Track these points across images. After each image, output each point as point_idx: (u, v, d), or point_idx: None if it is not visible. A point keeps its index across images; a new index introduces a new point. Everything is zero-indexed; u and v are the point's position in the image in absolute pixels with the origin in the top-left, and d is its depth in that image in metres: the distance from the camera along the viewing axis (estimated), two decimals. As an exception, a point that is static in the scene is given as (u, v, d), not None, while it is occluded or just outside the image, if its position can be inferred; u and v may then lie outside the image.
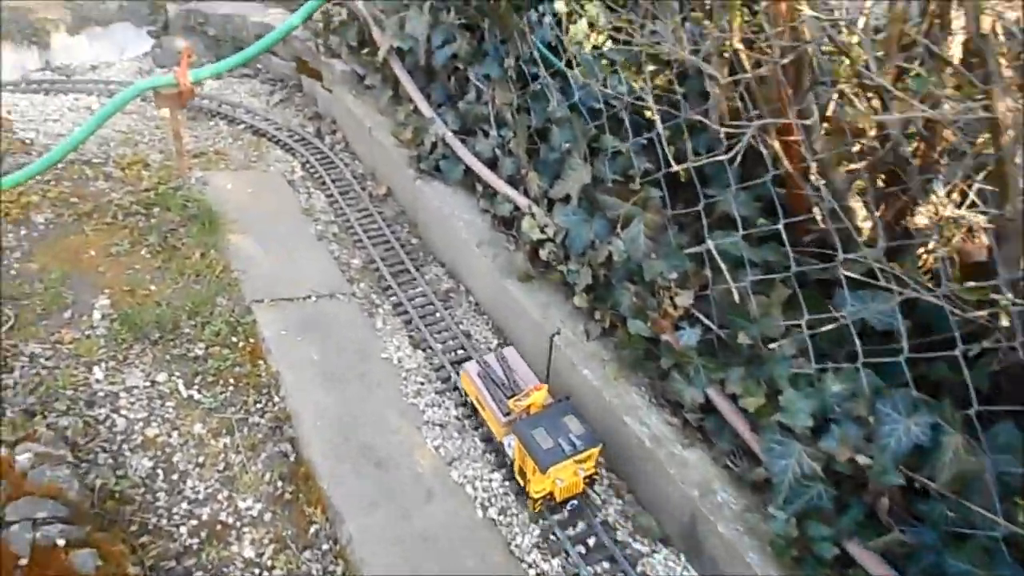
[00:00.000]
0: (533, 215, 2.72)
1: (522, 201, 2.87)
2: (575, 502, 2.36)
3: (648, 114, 2.58)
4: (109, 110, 3.40)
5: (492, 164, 3.12)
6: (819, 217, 2.19)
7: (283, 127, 4.33)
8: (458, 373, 2.71)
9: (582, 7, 3.03)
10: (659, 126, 2.34)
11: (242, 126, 4.35)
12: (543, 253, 2.64)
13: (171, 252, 3.24)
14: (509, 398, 2.41)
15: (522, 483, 2.37)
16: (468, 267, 3.11)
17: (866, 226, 2.14)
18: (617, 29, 2.39)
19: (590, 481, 2.33)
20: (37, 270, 3.13)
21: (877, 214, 2.09)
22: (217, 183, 3.72)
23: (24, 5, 4.67)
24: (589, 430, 2.25)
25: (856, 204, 2.17)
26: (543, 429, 2.24)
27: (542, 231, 2.65)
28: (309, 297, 3.09)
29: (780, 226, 2.07)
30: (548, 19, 2.90)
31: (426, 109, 3.40)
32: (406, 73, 3.55)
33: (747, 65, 2.11)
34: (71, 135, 3.44)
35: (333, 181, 3.86)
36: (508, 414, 2.40)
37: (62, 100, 4.48)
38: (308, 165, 4.02)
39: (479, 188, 3.14)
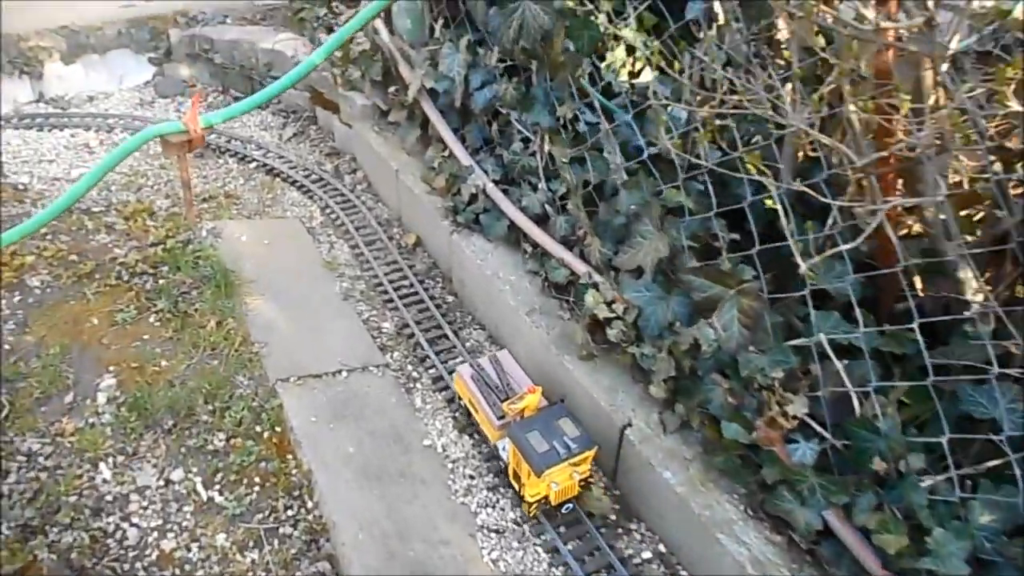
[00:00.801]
0: (597, 287, 2.40)
1: (580, 268, 2.55)
2: (571, 505, 2.32)
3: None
4: (112, 160, 3.08)
5: (541, 220, 2.80)
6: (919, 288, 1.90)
7: (298, 165, 4.00)
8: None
9: (648, 59, 2.70)
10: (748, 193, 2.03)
11: (254, 164, 4.02)
12: (610, 333, 2.32)
13: (183, 320, 2.91)
14: (503, 401, 2.37)
15: (517, 487, 2.34)
16: (516, 336, 2.79)
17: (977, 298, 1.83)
18: (705, 87, 2.07)
19: (585, 484, 2.29)
20: (34, 344, 2.80)
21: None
22: (230, 234, 3.39)
23: (15, 33, 4.32)
24: (584, 432, 2.22)
25: (967, 275, 1.85)
26: (537, 432, 2.21)
27: (609, 307, 2.33)
28: (339, 372, 2.76)
29: (912, 309, 1.75)
30: (613, 64, 2.57)
31: (463, 156, 3.07)
32: (438, 114, 3.22)
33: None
34: (70, 188, 3.10)
35: (356, 228, 3.54)
36: (502, 417, 2.37)
37: (58, 137, 4.14)
38: (328, 209, 3.70)
39: (526, 247, 2.82)
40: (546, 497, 2.25)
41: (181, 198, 3.63)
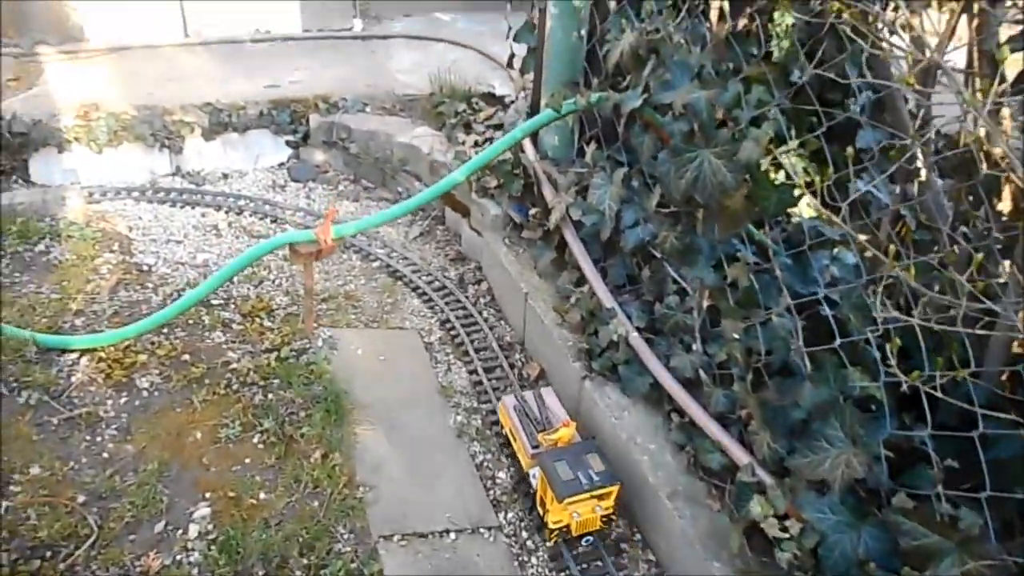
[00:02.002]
0: (764, 492, 2.03)
1: (742, 458, 2.18)
2: (591, 538, 2.42)
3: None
4: (239, 265, 2.97)
5: (692, 384, 2.46)
6: None
7: (421, 269, 3.80)
8: None
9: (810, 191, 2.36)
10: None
11: (376, 263, 3.86)
12: (780, 556, 1.93)
13: (288, 445, 2.70)
14: (539, 432, 2.55)
15: (542, 513, 2.45)
16: (653, 520, 2.42)
17: None
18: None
19: (607, 521, 2.40)
20: (133, 455, 2.64)
21: None
22: (346, 345, 3.20)
23: (160, 105, 4.38)
24: (609, 469, 2.35)
25: None
26: (565, 463, 2.36)
27: (781, 525, 1.94)
28: (446, 533, 2.46)
29: None
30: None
31: (605, 296, 2.78)
32: (580, 244, 2.96)
33: None
34: (192, 291, 3.00)
35: (476, 350, 3.28)
36: (536, 447, 2.52)
37: (188, 215, 4.11)
38: (447, 324, 3.46)
39: (674, 417, 2.47)
40: (568, 527, 2.36)
41: (300, 297, 3.49)
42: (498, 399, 3.00)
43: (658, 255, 2.63)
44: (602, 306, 2.78)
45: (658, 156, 2.36)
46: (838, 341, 2.04)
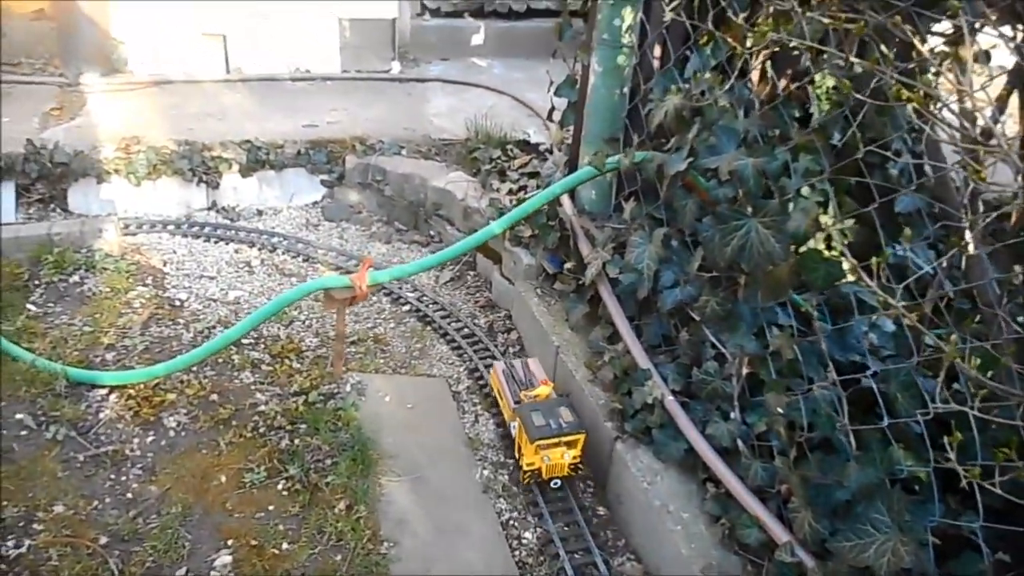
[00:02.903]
0: (805, 575, 1.96)
1: (781, 535, 2.11)
2: (559, 481, 2.75)
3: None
4: (273, 308, 2.98)
5: (729, 453, 2.40)
6: None
7: (451, 314, 3.79)
8: None
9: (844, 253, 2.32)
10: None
11: (406, 307, 3.84)
12: (821, 646, 1.86)
13: (312, 494, 2.65)
14: (522, 391, 2.91)
15: (518, 458, 2.80)
16: (682, 590, 2.35)
17: None
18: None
19: (575, 468, 2.74)
20: (157, 497, 2.61)
21: None
22: (374, 391, 3.17)
23: (200, 141, 4.44)
24: (578, 419, 2.71)
25: None
26: (540, 413, 2.71)
27: (822, 612, 1.87)
28: (472, 595, 2.40)
29: None
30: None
31: (640, 356, 2.74)
32: (616, 301, 2.92)
33: None
34: (225, 332, 3.00)
35: (505, 403, 3.24)
36: (518, 402, 2.86)
37: (222, 251, 4.14)
38: (476, 373, 3.43)
39: (709, 487, 2.41)
40: (539, 469, 2.71)
41: (330, 338, 3.48)
42: (526, 455, 2.97)
43: (696, 318, 2.59)
44: (637, 366, 2.73)
45: (702, 220, 2.33)
46: (886, 421, 1.98)
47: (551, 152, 4.49)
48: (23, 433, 2.78)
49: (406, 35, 6.00)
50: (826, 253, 2.30)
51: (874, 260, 1.64)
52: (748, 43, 2.32)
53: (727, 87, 2.32)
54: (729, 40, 2.35)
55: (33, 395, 2.90)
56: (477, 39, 6.24)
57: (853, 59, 1.77)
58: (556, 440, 2.64)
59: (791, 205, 2.30)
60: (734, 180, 2.32)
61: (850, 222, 2.15)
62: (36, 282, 3.55)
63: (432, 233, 4.42)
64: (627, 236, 2.96)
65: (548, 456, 2.65)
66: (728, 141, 2.40)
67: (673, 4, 2.35)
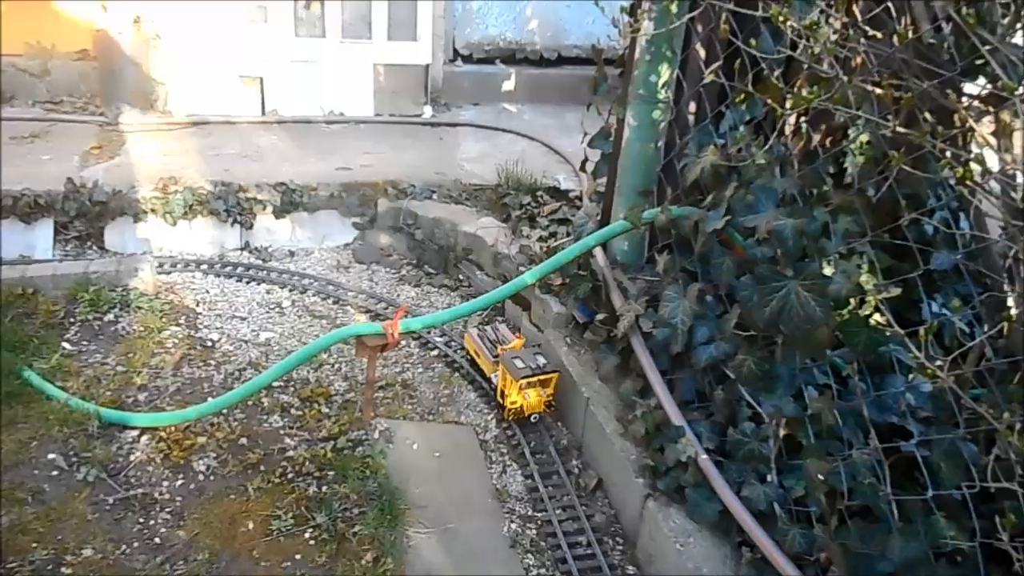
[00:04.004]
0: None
1: (819, 607, 2.06)
2: (537, 416, 3.29)
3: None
4: (305, 355, 3.01)
5: (763, 516, 2.35)
6: None
7: (479, 361, 3.77)
8: None
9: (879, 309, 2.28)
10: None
11: (435, 352, 3.84)
12: None
13: (340, 544, 2.64)
14: (498, 345, 3.41)
15: (502, 401, 3.31)
16: (715, 658, 2.29)
17: None
18: None
19: (548, 405, 3.30)
20: (185, 542, 2.61)
21: None
22: (402, 438, 3.16)
23: (236, 182, 4.51)
24: (550, 362, 3.27)
25: None
26: (520, 358, 3.23)
27: None
28: (499, 656, 2.36)
29: None
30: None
31: (673, 412, 2.70)
32: (649, 355, 2.90)
33: None
34: (257, 378, 3.01)
35: (533, 453, 3.21)
36: (496, 356, 3.36)
37: (253, 291, 4.18)
38: (504, 422, 3.41)
39: (744, 551, 2.36)
40: (521, 407, 3.23)
41: (359, 383, 3.48)
42: (555, 508, 2.94)
43: (731, 376, 2.56)
44: (669, 422, 2.70)
45: (740, 278, 2.32)
46: (930, 493, 1.94)
47: (581, 199, 4.52)
48: (54, 473, 2.79)
49: (439, 80, 6.09)
50: (867, 317, 2.28)
51: (922, 330, 1.62)
52: (787, 104, 2.33)
53: (767, 147, 2.32)
54: (768, 101, 2.36)
55: (66, 435, 2.93)
56: (508, 85, 6.32)
57: (900, 129, 1.76)
58: (536, 378, 3.17)
59: (825, 261, 2.30)
60: (772, 239, 2.32)
61: (896, 290, 2.12)
62: (71, 320, 3.60)
63: (461, 277, 4.44)
64: (660, 289, 2.95)
65: (528, 394, 3.21)
66: (766, 200, 2.40)
67: (713, 67, 2.37)
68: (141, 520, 2.68)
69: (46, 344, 3.39)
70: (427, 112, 5.90)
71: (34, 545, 2.52)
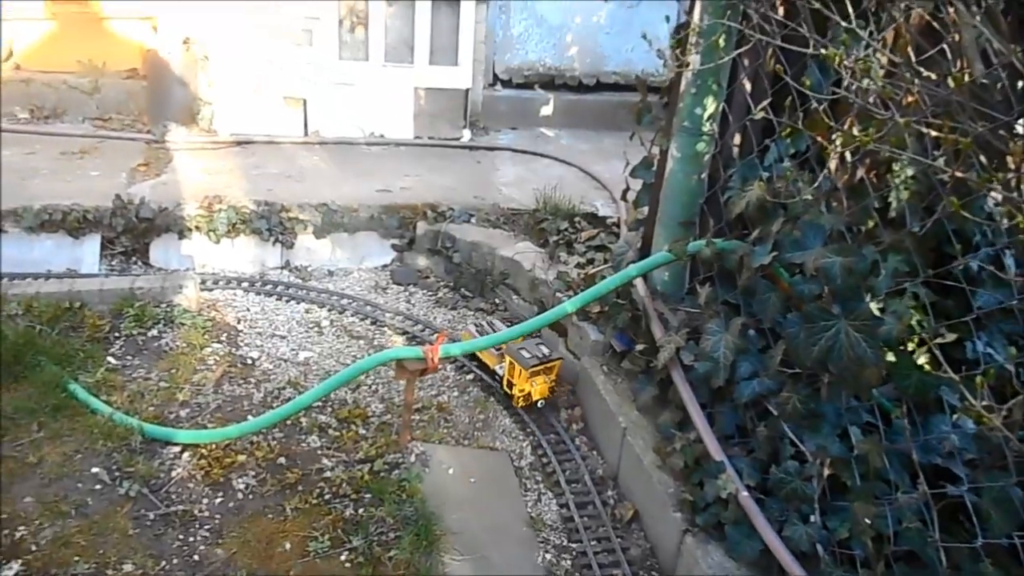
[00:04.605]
0: None
1: (864, 654, 2.02)
2: (543, 401, 3.53)
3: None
4: (344, 377, 3.05)
5: (805, 557, 2.32)
6: None
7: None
8: None
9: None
10: None
11: (471, 376, 3.86)
12: None
13: (375, 567, 2.65)
14: None
15: (509, 391, 3.53)
16: None
17: None
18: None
19: (551, 390, 3.54)
20: (223, 561, 2.63)
21: None
22: (438, 463, 3.16)
23: (279, 202, 4.58)
24: (552, 351, 3.53)
25: None
26: (525, 349, 3.44)
27: None
28: None
29: None
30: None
31: (714, 447, 2.68)
32: (689, 388, 2.89)
33: None
34: (297, 399, 3.05)
35: (568, 482, 3.20)
36: (498, 349, 3.57)
37: (293, 310, 4.23)
38: (539, 449, 3.40)
39: (785, 591, 2.33)
40: (529, 393, 3.47)
41: (396, 404, 3.50)
42: (590, 539, 2.92)
43: (774, 412, 2.54)
44: (709, 457, 2.68)
45: (787, 316, 2.31)
46: (980, 541, 1.90)
47: (618, 226, 4.52)
48: (97, 487, 2.84)
49: (478, 104, 6.16)
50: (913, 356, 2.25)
51: (979, 379, 1.59)
52: (837, 142, 2.33)
53: (815, 184, 2.31)
54: (818, 139, 2.35)
55: (109, 449, 2.97)
56: (546, 110, 6.37)
57: (959, 173, 1.75)
58: (542, 366, 3.42)
59: (870, 297, 2.28)
60: (820, 277, 2.30)
61: (951, 336, 2.09)
62: (116, 334, 3.67)
63: (497, 301, 4.46)
64: (701, 321, 2.94)
65: (535, 382, 3.45)
66: (813, 236, 2.39)
67: (762, 104, 2.37)
68: (181, 537, 2.71)
69: (92, 358, 3.46)
70: (466, 135, 5.96)
71: (76, 559, 2.56)
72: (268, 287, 4.39)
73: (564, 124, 6.37)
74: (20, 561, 2.52)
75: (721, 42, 2.80)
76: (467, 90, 5.87)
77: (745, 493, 2.53)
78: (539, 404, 3.53)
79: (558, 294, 4.00)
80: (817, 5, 2.12)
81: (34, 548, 2.57)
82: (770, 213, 2.62)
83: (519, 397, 3.47)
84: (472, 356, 3.76)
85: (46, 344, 3.41)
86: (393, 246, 4.77)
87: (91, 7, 5.63)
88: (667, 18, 3.07)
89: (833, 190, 2.45)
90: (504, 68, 6.34)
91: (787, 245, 2.45)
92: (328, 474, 3.02)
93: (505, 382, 3.55)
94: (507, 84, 6.39)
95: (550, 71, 6.40)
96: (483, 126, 6.20)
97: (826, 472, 2.35)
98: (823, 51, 2.13)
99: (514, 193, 5.11)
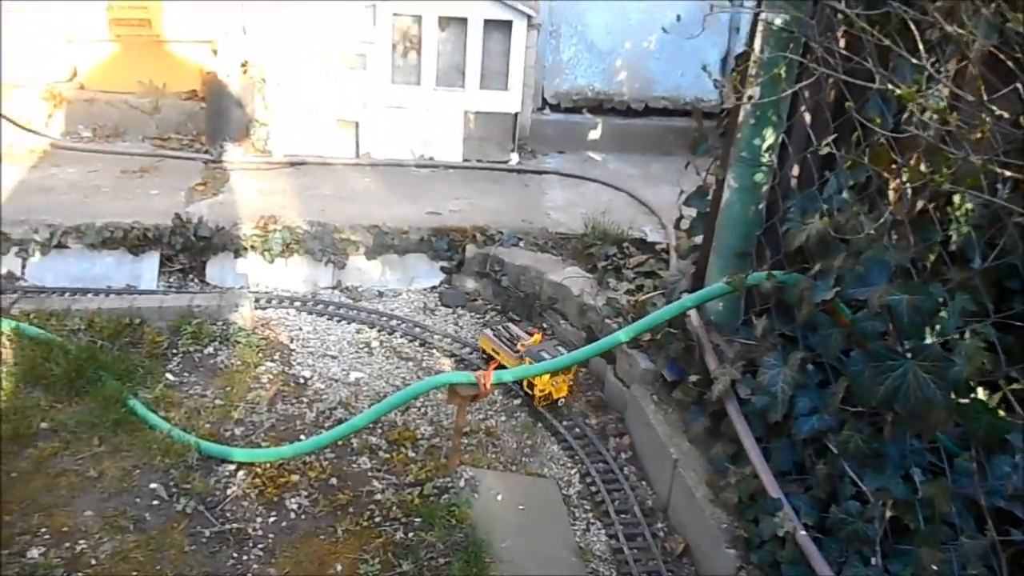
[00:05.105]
0: None
1: None
2: (563, 399, 3.71)
3: None
4: (398, 401, 3.09)
5: (866, 601, 2.27)
6: None
7: (562, 412, 3.77)
8: None
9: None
10: None
11: (518, 400, 3.85)
12: None
13: (425, 594, 2.65)
14: (516, 342, 3.77)
15: (529, 392, 3.67)
16: None
17: None
18: None
19: (570, 389, 3.74)
20: (276, 582, 2.65)
21: None
22: (487, 488, 3.16)
23: (332, 223, 4.65)
24: (569, 351, 3.55)
25: None
26: (545, 351, 3.59)
27: None
28: None
29: None
30: None
31: (771, 483, 2.64)
32: (745, 422, 2.85)
33: None
34: (351, 420, 3.08)
35: (617, 512, 3.18)
36: (517, 351, 3.71)
37: (343, 330, 4.28)
38: (587, 477, 3.38)
39: (846, 635, 2.28)
40: (549, 393, 3.63)
41: (443, 427, 3.52)
42: (640, 572, 2.89)
43: (834, 450, 2.49)
44: (765, 493, 2.64)
45: (849, 354, 2.27)
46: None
47: (667, 253, 4.50)
48: (155, 503, 2.89)
49: (526, 128, 6.19)
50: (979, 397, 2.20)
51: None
52: (904, 177, 2.30)
53: (880, 221, 2.27)
54: (884, 173, 2.32)
55: (167, 465, 3.03)
56: (594, 134, 6.38)
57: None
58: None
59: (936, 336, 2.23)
60: (884, 314, 2.26)
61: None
62: (174, 351, 3.75)
63: (545, 326, 4.45)
64: (756, 353, 2.91)
65: (555, 381, 3.60)
66: (878, 272, 2.35)
67: (827, 139, 2.35)
68: (235, 555, 2.74)
69: (151, 374, 3.54)
70: (514, 159, 6.00)
71: (134, 574, 2.61)
72: (320, 307, 4.45)
73: (612, 148, 6.37)
74: (80, 575, 2.57)
75: (782, 73, 2.79)
76: (516, 114, 5.91)
77: (803, 532, 2.48)
78: (559, 403, 3.70)
79: (607, 320, 4.00)
80: (886, 41, 2.10)
81: (93, 562, 2.63)
82: (831, 247, 2.58)
83: (540, 397, 3.62)
84: (490, 358, 3.90)
85: (107, 359, 3.49)
86: (442, 268, 4.80)
87: (153, 30, 5.80)
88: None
89: (897, 224, 2.40)
90: (553, 92, 6.37)
91: (850, 280, 2.42)
92: (379, 496, 3.04)
93: (526, 383, 3.66)
94: (555, 108, 6.42)
95: (599, 95, 6.41)
96: (531, 149, 6.23)
97: (888, 514, 2.30)
98: (892, 87, 2.11)
99: (562, 217, 5.12)
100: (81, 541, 2.69)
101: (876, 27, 2.26)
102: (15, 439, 3.05)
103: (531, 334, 3.84)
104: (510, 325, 4.02)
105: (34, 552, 2.62)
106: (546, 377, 3.51)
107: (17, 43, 5.58)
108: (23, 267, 4.44)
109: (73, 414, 3.21)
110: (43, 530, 2.71)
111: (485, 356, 4.00)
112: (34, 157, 5.34)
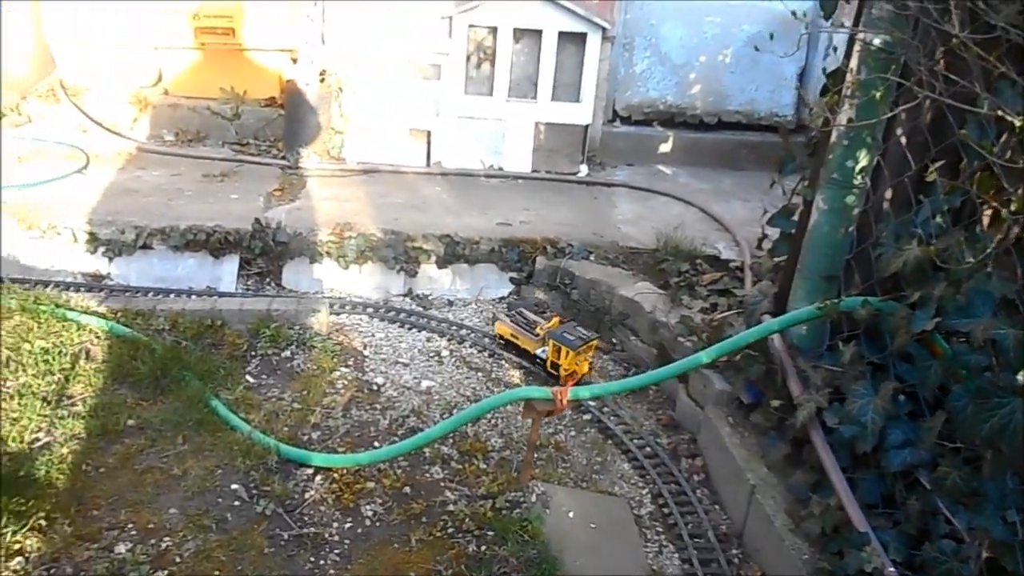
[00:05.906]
0: None
1: None
2: (587, 376, 3.93)
3: None
4: (473, 413, 3.13)
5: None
6: None
7: (633, 430, 3.74)
8: None
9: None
10: None
11: (588, 416, 3.83)
12: None
13: (499, 609, 2.65)
14: (535, 327, 4.02)
15: (555, 372, 3.89)
16: None
17: None
18: None
19: (589, 367, 3.97)
20: (352, 587, 2.68)
21: None
22: (558, 505, 3.15)
23: (405, 232, 4.71)
24: (589, 331, 3.95)
25: None
26: (566, 332, 3.86)
27: None
28: None
29: None
30: None
31: (857, 516, 2.56)
32: (830, 451, 2.77)
33: None
34: (428, 431, 3.11)
35: (691, 536, 3.12)
36: (537, 335, 3.97)
37: (415, 338, 4.33)
38: (659, 498, 3.34)
39: None
40: (574, 372, 3.83)
41: (514, 440, 3.52)
42: (715, 599, 2.84)
43: (926, 485, 2.41)
44: (851, 525, 2.56)
45: (952, 389, 2.20)
46: None
47: (742, 271, 4.43)
48: (236, 504, 2.95)
49: (596, 140, 6.18)
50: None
51: None
52: (1012, 207, 2.21)
53: (986, 253, 2.19)
54: (982, 202, 2.24)
55: (247, 466, 3.09)
56: (664, 147, 6.32)
57: None
58: (586, 345, 3.82)
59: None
60: (987, 348, 2.18)
61: None
62: (253, 353, 3.84)
63: (615, 341, 4.43)
64: (843, 380, 2.83)
65: (579, 361, 3.83)
66: (982, 304, 2.27)
67: (935, 165, 2.28)
68: (312, 559, 2.79)
69: (231, 375, 3.63)
70: (583, 171, 5.98)
71: (216, 573, 2.66)
72: (392, 314, 4.50)
73: (683, 162, 6.30)
74: (165, 572, 2.64)
75: (878, 95, 2.72)
76: (587, 126, 5.90)
77: (892, 569, 2.40)
78: (583, 380, 3.89)
79: (680, 339, 3.94)
80: (1000, 67, 2.03)
81: (178, 560, 2.69)
82: (929, 275, 2.50)
83: (565, 376, 3.81)
84: (507, 343, 4.15)
85: (190, 359, 3.60)
86: (511, 279, 4.82)
87: (236, 38, 5.96)
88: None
89: (1005, 254, 2.32)
90: (624, 105, 6.34)
91: (951, 310, 2.34)
92: (451, 507, 3.05)
93: (549, 364, 3.90)
94: (626, 120, 6.39)
95: (671, 108, 6.36)
96: (600, 162, 6.20)
97: (984, 554, 2.21)
98: (1002, 113, 2.04)
99: (632, 231, 5.08)
100: (166, 538, 2.76)
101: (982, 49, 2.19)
102: (104, 435, 3.17)
103: (547, 318, 4.09)
104: (523, 310, 4.17)
105: (121, 548, 2.70)
106: (572, 357, 3.74)
107: (106, 47, 5.81)
108: (109, 266, 4.61)
109: (158, 412, 3.31)
110: (130, 526, 2.79)
111: (502, 342, 4.19)
112: (121, 160, 5.55)
